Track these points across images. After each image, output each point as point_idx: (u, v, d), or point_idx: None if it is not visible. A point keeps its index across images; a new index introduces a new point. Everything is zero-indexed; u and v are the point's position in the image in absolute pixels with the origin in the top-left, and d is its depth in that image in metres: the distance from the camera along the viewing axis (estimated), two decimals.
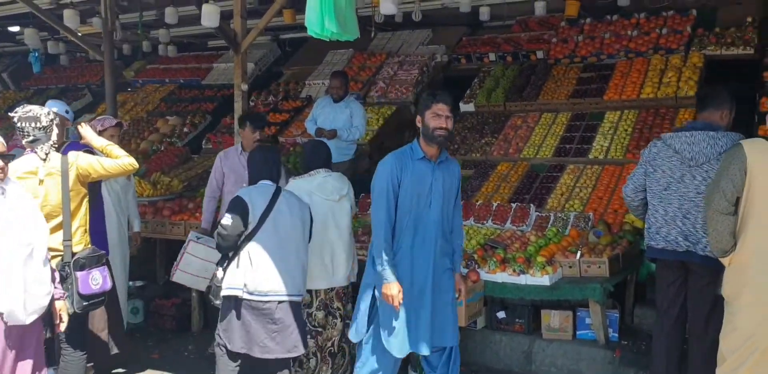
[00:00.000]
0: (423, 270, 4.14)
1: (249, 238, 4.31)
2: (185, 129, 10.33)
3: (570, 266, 5.22)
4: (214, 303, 4.42)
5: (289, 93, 10.61)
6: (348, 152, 7.96)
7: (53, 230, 4.01)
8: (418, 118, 4.29)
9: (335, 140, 7.55)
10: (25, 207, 3.46)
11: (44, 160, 4.06)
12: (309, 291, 4.88)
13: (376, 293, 4.17)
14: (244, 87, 7.82)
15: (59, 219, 4.06)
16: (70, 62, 13.44)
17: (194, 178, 8.41)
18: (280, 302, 4.28)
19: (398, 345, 4.13)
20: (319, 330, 4.98)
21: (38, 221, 3.54)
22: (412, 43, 10.87)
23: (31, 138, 4.07)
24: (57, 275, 3.88)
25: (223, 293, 4.32)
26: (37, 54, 11.23)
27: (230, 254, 4.38)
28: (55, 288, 3.72)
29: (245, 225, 4.28)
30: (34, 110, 4.10)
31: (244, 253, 4.30)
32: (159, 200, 6.80)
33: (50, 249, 3.85)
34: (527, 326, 5.36)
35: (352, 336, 4.39)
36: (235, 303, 4.30)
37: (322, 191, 4.88)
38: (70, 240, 4.08)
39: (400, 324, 4.08)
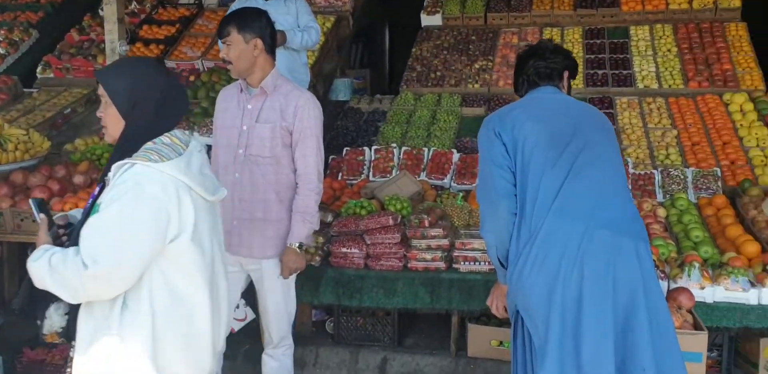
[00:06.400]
0: None
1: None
2: (1, 50, 6.73)
3: None
4: None
5: None
6: (304, 77, 5.14)
7: None
8: None
9: (285, 53, 4.73)
10: None
11: None
12: None
13: None
14: None
15: None
16: None
17: (44, 125, 5.16)
18: None
19: None
20: None
21: None
22: None
23: None
24: None
25: None
26: None
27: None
28: None
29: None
30: None
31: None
32: (15, 170, 3.58)
33: None
34: (727, 362, 3.32)
35: None
36: None
37: (202, 183, 2.01)
38: None
39: None
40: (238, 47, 2.90)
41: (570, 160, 2.42)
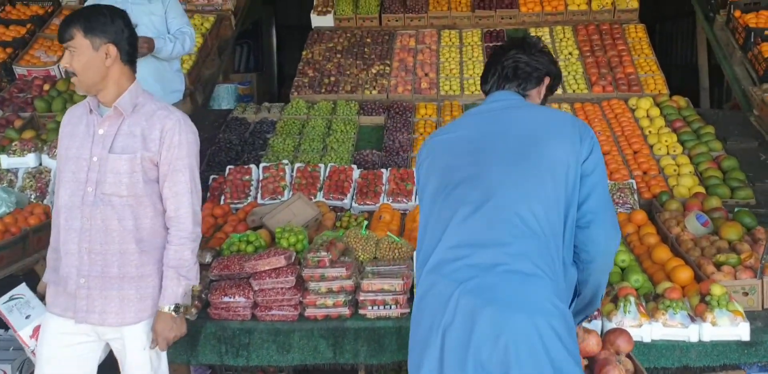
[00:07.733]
0: None
1: None
2: None
3: (745, 293, 2.92)
4: None
5: None
6: (178, 86, 4.52)
7: None
8: None
9: (152, 61, 4.11)
10: None
11: None
12: None
13: None
14: None
15: None
16: None
17: None
18: None
19: None
20: None
21: None
22: None
23: None
24: None
25: None
26: None
27: None
28: None
29: None
30: None
31: None
32: None
33: None
34: None
35: None
36: None
37: None
38: None
39: None
40: (84, 55, 2.26)
41: (452, 206, 1.96)
